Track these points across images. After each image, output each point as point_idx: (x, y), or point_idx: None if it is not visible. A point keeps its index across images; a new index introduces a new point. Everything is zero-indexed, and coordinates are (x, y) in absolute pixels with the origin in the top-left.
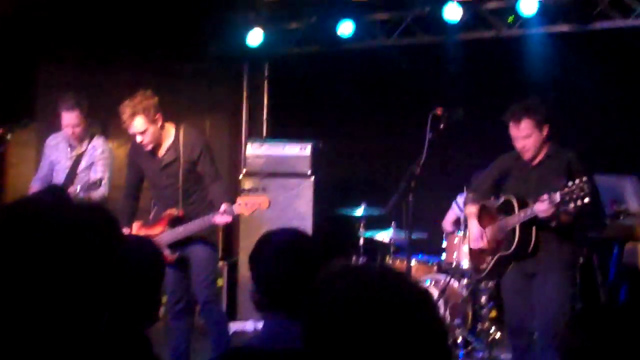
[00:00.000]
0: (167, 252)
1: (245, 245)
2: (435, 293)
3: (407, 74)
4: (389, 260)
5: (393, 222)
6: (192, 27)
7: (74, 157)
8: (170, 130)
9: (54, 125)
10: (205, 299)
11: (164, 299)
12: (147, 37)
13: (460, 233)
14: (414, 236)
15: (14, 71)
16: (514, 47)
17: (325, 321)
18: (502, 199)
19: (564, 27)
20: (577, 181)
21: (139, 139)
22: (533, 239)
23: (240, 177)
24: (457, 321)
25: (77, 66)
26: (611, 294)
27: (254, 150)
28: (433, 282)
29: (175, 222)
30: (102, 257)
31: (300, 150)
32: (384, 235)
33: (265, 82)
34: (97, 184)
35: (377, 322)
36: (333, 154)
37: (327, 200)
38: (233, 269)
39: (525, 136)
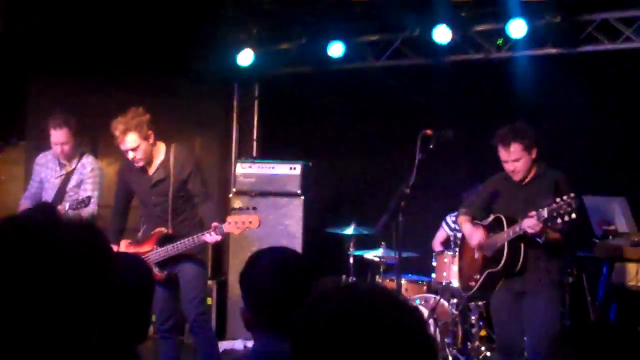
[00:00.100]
0: (156, 270)
1: (235, 264)
2: (425, 312)
3: (396, 95)
4: (378, 279)
5: (383, 242)
6: (183, 47)
7: (63, 175)
8: (161, 148)
9: (44, 144)
10: (194, 318)
11: (153, 317)
12: (138, 56)
13: (450, 252)
14: (404, 255)
15: (3, 89)
16: (503, 69)
17: (315, 340)
18: (491, 217)
19: (552, 50)
20: (564, 197)
21: (131, 155)
22: (522, 256)
23: (230, 196)
24: (447, 340)
25: (67, 85)
26: (601, 313)
27: (243, 169)
28: (423, 302)
29: (164, 240)
30: (91, 274)
31: (290, 170)
32: (374, 255)
33: (256, 102)
34: (86, 201)
35: (368, 341)
36: (323, 174)
37: (316, 219)
38: (222, 287)
39: (515, 159)
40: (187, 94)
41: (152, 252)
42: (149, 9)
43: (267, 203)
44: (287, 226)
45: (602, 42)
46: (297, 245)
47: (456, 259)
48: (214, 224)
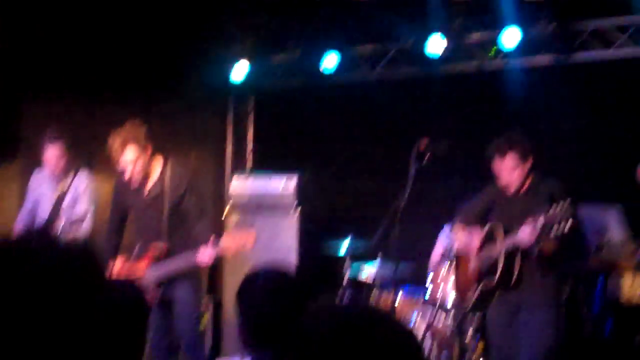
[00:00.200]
0: (151, 289)
1: (230, 281)
2: (422, 326)
3: (391, 107)
4: (375, 292)
5: (379, 254)
6: (177, 60)
7: (59, 192)
8: (158, 163)
9: (38, 162)
10: (188, 340)
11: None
12: (132, 71)
13: (447, 265)
14: (401, 268)
15: None
16: (497, 79)
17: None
18: (486, 229)
19: (546, 59)
20: (560, 203)
21: (129, 169)
22: (517, 269)
23: (225, 210)
24: (444, 354)
25: (61, 102)
26: (596, 326)
27: (238, 183)
28: (420, 315)
29: (159, 258)
30: (84, 301)
31: (285, 184)
32: (371, 268)
33: (250, 115)
34: (81, 218)
35: None
36: (318, 187)
37: (312, 233)
38: (218, 305)
39: (511, 169)
40: (181, 107)
41: (148, 270)
42: (143, 24)
43: (262, 217)
44: (283, 239)
45: (596, 49)
46: (292, 259)
47: (452, 272)
48: (209, 242)
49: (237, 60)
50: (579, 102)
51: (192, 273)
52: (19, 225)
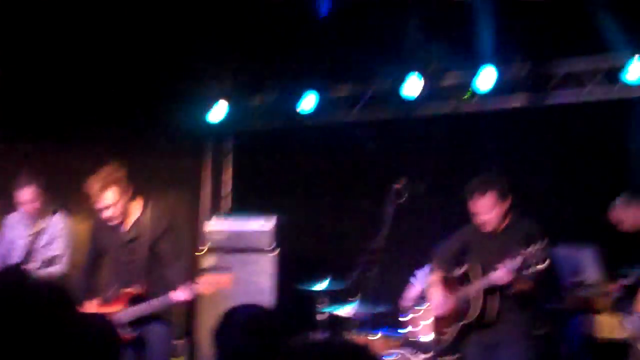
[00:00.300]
0: (124, 331)
1: (205, 322)
2: None
3: (368, 149)
4: (352, 335)
5: (356, 296)
6: (155, 102)
7: (34, 234)
8: (137, 205)
9: (12, 203)
10: None
11: None
12: (108, 112)
13: (422, 307)
14: (378, 310)
15: None
16: (473, 121)
17: None
18: (462, 269)
19: (521, 99)
20: (534, 246)
21: (108, 212)
22: (494, 307)
23: (202, 252)
24: None
25: (35, 142)
26: None
27: (216, 225)
28: (398, 357)
29: (135, 300)
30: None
31: (262, 225)
32: (348, 310)
33: (228, 157)
34: (56, 260)
35: None
36: (296, 229)
37: (289, 275)
38: (192, 345)
39: (489, 209)
40: (159, 149)
41: (121, 313)
42: (120, 65)
43: (238, 259)
44: (259, 282)
45: (569, 91)
46: (269, 301)
47: (428, 313)
48: (184, 286)
49: (215, 101)
50: (553, 143)
51: (165, 313)
52: None
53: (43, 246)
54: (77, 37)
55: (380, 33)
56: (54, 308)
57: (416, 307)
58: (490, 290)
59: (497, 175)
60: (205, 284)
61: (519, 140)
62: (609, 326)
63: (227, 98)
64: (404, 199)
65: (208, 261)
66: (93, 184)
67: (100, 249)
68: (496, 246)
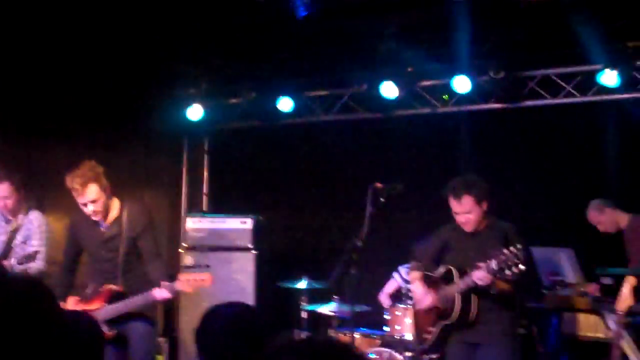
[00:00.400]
0: (105, 329)
1: (186, 320)
2: None
3: (346, 149)
4: (332, 333)
5: (336, 295)
6: (132, 101)
7: (10, 231)
8: (115, 204)
9: None
10: None
11: None
12: (85, 111)
13: (403, 305)
14: (357, 309)
15: None
16: (449, 123)
17: None
18: (442, 269)
19: (496, 105)
20: (512, 249)
21: (90, 208)
22: (474, 307)
23: (180, 251)
24: None
25: (11, 140)
26: None
27: (194, 224)
28: (377, 355)
29: (114, 297)
30: (39, 331)
31: (241, 224)
32: (327, 309)
33: (206, 156)
34: (33, 257)
35: None
36: (274, 228)
37: (268, 273)
38: (174, 344)
39: (466, 212)
40: (136, 148)
41: (101, 310)
42: (98, 64)
43: (218, 258)
44: (239, 281)
45: (543, 97)
46: (249, 300)
47: (409, 312)
48: (165, 282)
49: (192, 101)
50: (528, 147)
51: (146, 311)
52: None
53: (20, 243)
54: (52, 34)
55: (355, 38)
56: (36, 304)
57: (397, 306)
58: (471, 291)
59: (475, 178)
60: (185, 282)
61: (496, 141)
62: (590, 325)
63: (204, 99)
64: (383, 198)
65: (188, 259)
66: (75, 178)
67: (78, 246)
68: (475, 246)
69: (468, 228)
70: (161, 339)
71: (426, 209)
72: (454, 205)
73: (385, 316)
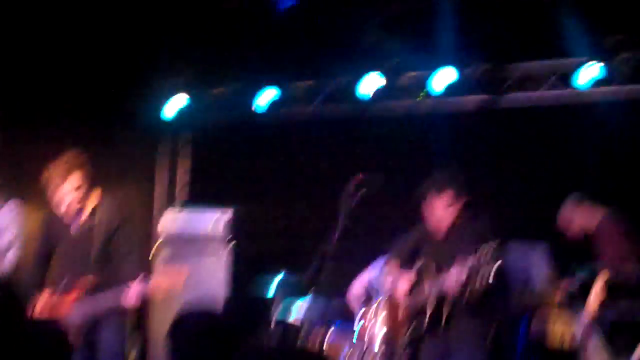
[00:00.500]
0: (74, 332)
1: (158, 318)
2: None
3: (325, 143)
4: (305, 329)
5: (311, 290)
6: (110, 95)
7: None
8: (94, 197)
9: None
10: None
11: None
12: (61, 104)
13: (377, 303)
14: (333, 304)
15: None
16: (429, 119)
17: None
18: (419, 264)
19: (477, 100)
20: (484, 250)
21: (70, 197)
22: (445, 313)
23: (156, 244)
24: None
25: None
26: None
27: (169, 218)
28: (349, 353)
29: (87, 291)
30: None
31: (218, 218)
32: (302, 304)
33: (183, 151)
34: (7, 249)
35: None
36: (252, 221)
37: (244, 268)
38: (145, 345)
39: (445, 207)
40: (114, 141)
41: (74, 306)
42: (74, 58)
43: (194, 250)
44: (214, 275)
45: (524, 91)
46: (222, 295)
47: (382, 311)
48: (139, 278)
49: (172, 94)
50: (507, 143)
51: (117, 315)
52: None
53: None
54: (30, 29)
55: (339, 30)
56: (3, 314)
57: (370, 303)
58: (442, 296)
59: (455, 173)
60: (159, 280)
61: (471, 140)
62: (557, 325)
63: (185, 91)
64: (359, 195)
65: (163, 254)
66: (56, 168)
67: (52, 240)
68: (448, 246)
69: (442, 226)
70: (131, 344)
71: (403, 206)
72: (431, 201)
73: (360, 311)
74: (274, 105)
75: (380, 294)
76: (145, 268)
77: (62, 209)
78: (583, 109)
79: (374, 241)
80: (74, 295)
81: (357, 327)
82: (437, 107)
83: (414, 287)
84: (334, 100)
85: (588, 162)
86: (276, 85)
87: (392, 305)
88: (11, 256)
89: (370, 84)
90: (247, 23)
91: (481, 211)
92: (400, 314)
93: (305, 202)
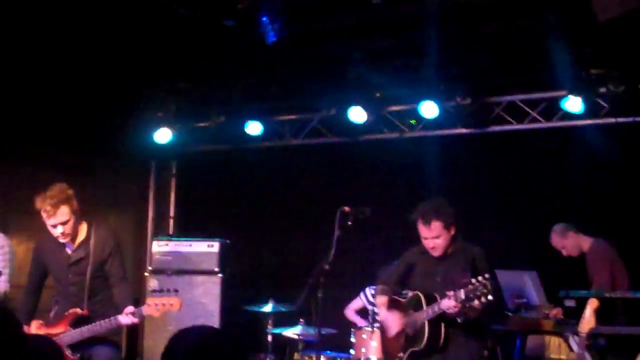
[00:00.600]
0: (68, 353)
1: (150, 345)
2: None
3: (314, 173)
4: (297, 357)
5: (301, 319)
6: (99, 124)
7: None
8: (83, 227)
9: None
10: None
11: None
12: (51, 134)
13: (369, 329)
14: (323, 332)
15: None
16: (417, 148)
17: None
18: (410, 294)
19: (463, 130)
20: (480, 279)
21: (59, 230)
22: (442, 334)
23: (146, 274)
24: None
25: None
26: None
27: (160, 247)
28: None
29: (78, 322)
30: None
31: (207, 248)
32: (293, 332)
33: (173, 179)
34: None
35: None
36: (241, 251)
37: (235, 297)
38: None
39: (435, 237)
40: (103, 171)
41: (65, 334)
42: (64, 88)
43: (184, 281)
44: (205, 304)
45: (509, 123)
46: (214, 323)
47: (375, 335)
48: (130, 308)
49: (160, 125)
50: (496, 170)
51: (111, 335)
52: None
53: None
54: (20, 56)
55: (326, 61)
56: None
57: (363, 329)
58: (439, 318)
59: (444, 203)
60: (154, 306)
61: (462, 166)
62: (553, 348)
63: (173, 120)
64: (350, 222)
65: (153, 283)
66: (46, 199)
67: (44, 269)
68: (442, 271)
69: (436, 253)
70: None
71: (393, 233)
72: (423, 230)
73: (351, 339)
74: (263, 136)
75: (372, 321)
76: (136, 295)
77: (54, 239)
78: (569, 138)
79: (363, 270)
80: (63, 326)
81: (349, 355)
82: (425, 136)
83: (409, 311)
84: (320, 132)
85: (575, 190)
86: (263, 117)
87: (388, 333)
88: (2, 284)
89: (357, 114)
90: (234, 56)
91: (471, 237)
92: (396, 339)
93: (295, 232)
